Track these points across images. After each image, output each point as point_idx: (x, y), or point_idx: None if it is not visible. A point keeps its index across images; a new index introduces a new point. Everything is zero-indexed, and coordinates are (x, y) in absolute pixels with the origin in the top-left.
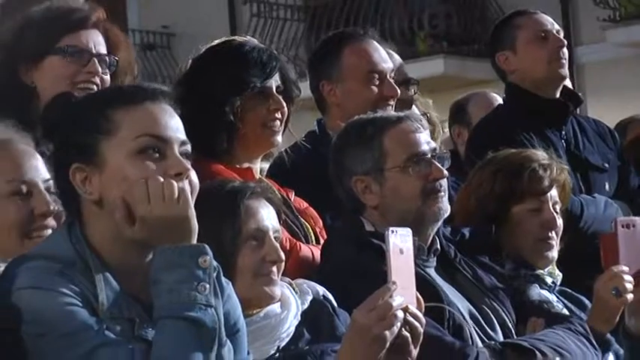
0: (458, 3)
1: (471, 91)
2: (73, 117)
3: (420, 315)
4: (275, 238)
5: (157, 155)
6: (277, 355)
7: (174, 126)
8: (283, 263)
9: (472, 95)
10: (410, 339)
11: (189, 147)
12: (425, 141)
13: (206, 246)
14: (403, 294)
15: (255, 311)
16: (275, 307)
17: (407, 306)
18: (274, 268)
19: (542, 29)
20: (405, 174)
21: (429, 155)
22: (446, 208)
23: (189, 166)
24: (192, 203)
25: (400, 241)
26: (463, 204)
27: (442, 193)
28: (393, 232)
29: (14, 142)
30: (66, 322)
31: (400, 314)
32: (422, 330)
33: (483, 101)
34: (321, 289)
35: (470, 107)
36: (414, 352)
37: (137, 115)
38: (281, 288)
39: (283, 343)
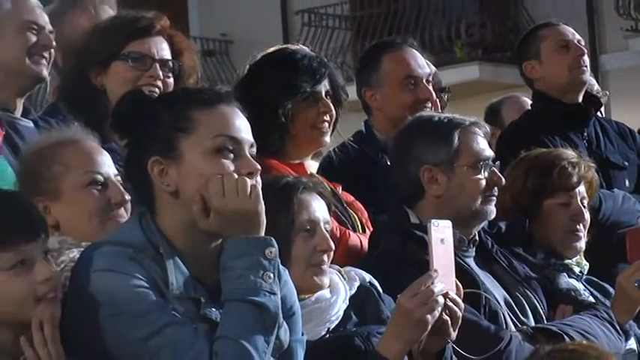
0: (492, 13)
1: (505, 94)
2: (153, 114)
3: (459, 300)
4: (325, 228)
5: (232, 155)
6: (327, 335)
7: (245, 128)
8: (333, 252)
9: (505, 99)
10: (449, 322)
11: (255, 148)
12: (488, 148)
13: (273, 239)
14: (443, 281)
15: (307, 296)
16: (325, 292)
17: (447, 292)
18: (325, 257)
19: (564, 39)
20: (473, 173)
21: (490, 162)
22: (494, 210)
23: (259, 167)
24: (262, 199)
25: (441, 232)
26: (499, 199)
27: (494, 198)
28: (435, 224)
29: (86, 139)
30: (137, 303)
31: (441, 299)
32: (460, 314)
33: (515, 105)
34: (368, 276)
35: (503, 110)
36: (453, 334)
37: (214, 117)
38: (330, 275)
39: (333, 325)
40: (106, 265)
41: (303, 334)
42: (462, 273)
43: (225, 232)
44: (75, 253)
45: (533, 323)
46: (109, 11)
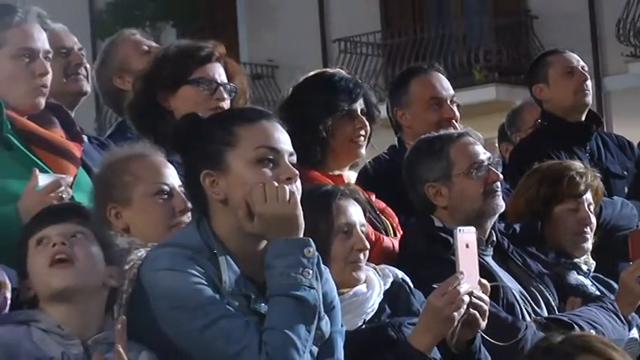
0: (507, 41)
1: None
2: (203, 132)
3: (484, 296)
4: (361, 230)
5: (271, 164)
6: (363, 326)
7: (284, 140)
8: (368, 251)
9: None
10: (478, 314)
11: (295, 157)
12: (482, 151)
13: (311, 239)
14: (469, 281)
15: (345, 290)
16: (362, 287)
17: (472, 291)
18: (361, 255)
19: (570, 66)
20: (468, 178)
21: (486, 162)
22: (501, 204)
23: (297, 172)
24: (299, 204)
25: (466, 238)
26: (514, 205)
27: (498, 193)
28: (460, 230)
29: (154, 154)
30: (194, 297)
31: (466, 298)
32: (487, 307)
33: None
34: (400, 273)
35: (507, 129)
36: (483, 324)
37: (255, 131)
38: (367, 272)
39: (368, 317)
40: (168, 264)
41: (342, 326)
42: (482, 270)
43: (268, 234)
44: (142, 253)
45: (546, 314)
46: (141, 38)
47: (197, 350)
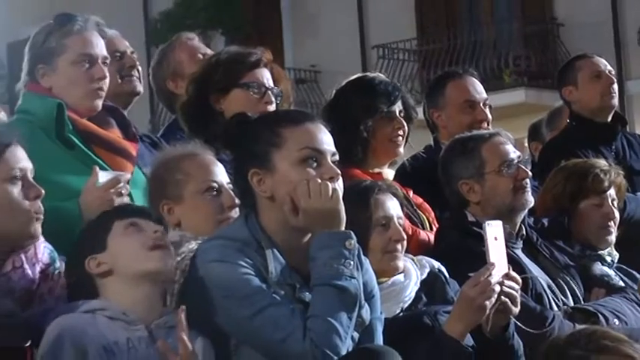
0: (535, 47)
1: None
2: (251, 132)
3: (514, 284)
4: (399, 222)
5: (315, 164)
6: (401, 314)
7: (327, 140)
8: (406, 242)
9: (544, 118)
10: (509, 302)
11: (337, 156)
12: (512, 150)
13: (352, 232)
14: (499, 271)
15: (384, 280)
16: (400, 277)
17: (502, 280)
18: (398, 246)
19: (597, 70)
20: (499, 176)
21: (516, 161)
22: (530, 200)
23: (339, 172)
24: (341, 200)
25: (494, 231)
26: (542, 200)
27: (527, 189)
28: (488, 224)
29: (204, 153)
30: (243, 287)
31: (497, 288)
32: (518, 294)
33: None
34: (437, 264)
35: (543, 128)
36: (515, 310)
37: (300, 132)
38: (405, 262)
39: (406, 305)
40: (218, 256)
41: (381, 313)
42: (512, 262)
43: (312, 228)
44: (193, 245)
45: (572, 304)
46: (199, 44)
47: (246, 337)
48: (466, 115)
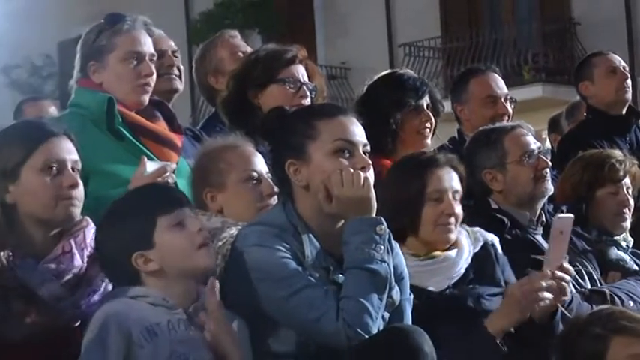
0: (553, 45)
1: (563, 109)
2: (288, 125)
3: (565, 276)
4: (454, 196)
5: (348, 154)
6: (448, 290)
7: (359, 133)
8: (460, 215)
9: (563, 112)
10: (559, 292)
11: (368, 147)
12: (532, 142)
13: (382, 218)
14: (553, 263)
15: (437, 254)
16: (452, 252)
17: (554, 272)
18: (451, 219)
19: (612, 66)
20: (521, 166)
21: (536, 151)
22: (550, 188)
23: (370, 162)
24: (372, 188)
25: (562, 224)
26: (561, 189)
27: (547, 178)
28: (559, 217)
29: (244, 144)
30: (281, 269)
31: (547, 294)
32: (568, 287)
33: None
34: (490, 237)
35: (562, 121)
36: (563, 299)
37: (334, 125)
38: (459, 235)
39: (453, 281)
40: (257, 240)
41: (410, 294)
42: (533, 247)
43: (345, 215)
44: (233, 231)
45: (589, 286)
46: (240, 42)
47: (283, 316)
48: (488, 109)
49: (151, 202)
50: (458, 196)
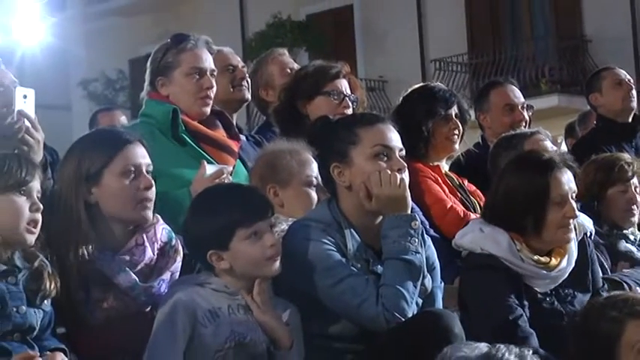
0: (567, 60)
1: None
2: (332, 132)
3: None
4: (572, 196)
5: (386, 158)
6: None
7: (396, 138)
8: (577, 214)
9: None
10: None
11: (404, 152)
12: (550, 146)
13: (416, 215)
14: None
15: (553, 264)
16: (564, 262)
17: None
18: (571, 220)
19: (619, 79)
20: None
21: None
22: None
23: (405, 164)
24: (407, 187)
25: None
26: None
27: None
28: None
29: (303, 150)
30: (327, 260)
31: None
32: None
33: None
34: (589, 228)
35: (577, 127)
36: None
37: (373, 132)
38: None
39: (556, 284)
40: (306, 235)
41: (441, 282)
42: None
43: (383, 211)
44: (284, 226)
45: (600, 275)
46: (288, 59)
47: (329, 302)
48: (507, 117)
49: (235, 211)
50: (574, 195)
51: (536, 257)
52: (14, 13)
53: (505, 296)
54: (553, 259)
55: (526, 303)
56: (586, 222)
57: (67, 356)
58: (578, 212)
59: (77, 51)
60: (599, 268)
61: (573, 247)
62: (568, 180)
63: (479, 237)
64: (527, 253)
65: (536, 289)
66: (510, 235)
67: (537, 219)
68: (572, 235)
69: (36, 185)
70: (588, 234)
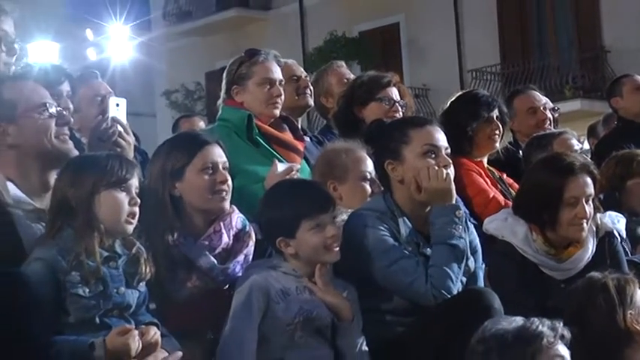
0: (588, 69)
1: (597, 119)
2: (386, 134)
3: None
4: (586, 201)
5: (433, 155)
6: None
7: (442, 138)
8: (592, 215)
9: (599, 121)
10: None
11: (449, 150)
12: (576, 143)
13: (460, 205)
14: None
15: (566, 255)
16: (578, 253)
17: None
18: (583, 221)
19: (637, 84)
20: None
21: (579, 151)
22: None
23: (451, 161)
24: (452, 181)
25: None
26: (599, 180)
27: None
28: None
29: (358, 148)
30: (382, 244)
31: None
32: None
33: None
34: (611, 226)
35: (599, 127)
36: None
37: (423, 132)
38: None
39: (570, 274)
40: (364, 222)
41: (482, 264)
42: None
43: (431, 202)
44: (344, 216)
45: None
46: (346, 70)
47: (384, 281)
48: (531, 119)
49: (301, 205)
50: (590, 198)
51: (547, 248)
52: (107, 34)
53: (514, 287)
54: (567, 251)
55: (538, 289)
56: (617, 223)
57: (158, 329)
58: (609, 213)
59: (160, 66)
60: (623, 263)
61: (589, 243)
62: (583, 184)
63: (502, 225)
64: (540, 244)
65: (555, 277)
66: (530, 226)
67: (552, 216)
68: (584, 233)
69: (134, 182)
70: (616, 234)
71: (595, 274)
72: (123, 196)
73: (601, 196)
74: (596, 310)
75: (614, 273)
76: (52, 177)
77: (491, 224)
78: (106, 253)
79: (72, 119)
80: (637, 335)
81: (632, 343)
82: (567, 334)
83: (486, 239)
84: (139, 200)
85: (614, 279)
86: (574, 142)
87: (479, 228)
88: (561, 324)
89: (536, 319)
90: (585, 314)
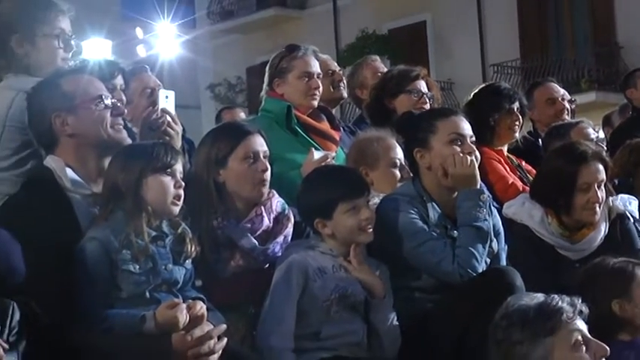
0: (603, 63)
1: (612, 110)
2: (415, 124)
3: None
4: (598, 186)
5: (459, 143)
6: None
7: (467, 128)
8: (604, 200)
9: (614, 111)
10: None
11: (474, 138)
12: (592, 132)
13: (484, 189)
14: None
15: (578, 237)
16: (591, 234)
17: None
18: (596, 206)
19: None
20: None
21: (595, 140)
22: None
23: (475, 148)
24: (477, 167)
25: None
26: (614, 167)
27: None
28: None
29: (391, 136)
30: (412, 226)
31: None
32: None
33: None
34: (623, 208)
35: (613, 117)
36: None
37: (449, 122)
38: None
39: (584, 255)
40: (395, 206)
41: (505, 245)
42: None
43: (457, 187)
44: (377, 200)
45: None
46: (380, 64)
47: (413, 260)
48: (550, 109)
49: (337, 189)
50: (602, 184)
51: (561, 231)
52: (155, 32)
53: (531, 266)
54: (580, 233)
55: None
56: (629, 205)
57: (204, 304)
58: (621, 196)
59: (205, 61)
60: (636, 242)
61: (602, 225)
62: (596, 171)
63: (520, 209)
64: (555, 226)
65: (569, 257)
66: (546, 210)
67: (566, 200)
68: (597, 216)
69: (179, 167)
70: (629, 215)
71: (606, 257)
72: (168, 180)
73: (616, 182)
74: (593, 294)
75: (625, 257)
76: (107, 164)
77: (509, 209)
78: (154, 233)
79: (125, 110)
80: (629, 323)
81: (625, 329)
82: (585, 309)
83: (506, 222)
84: (183, 184)
85: (616, 264)
86: (590, 131)
87: (500, 212)
88: (580, 300)
89: (556, 296)
90: (585, 296)
